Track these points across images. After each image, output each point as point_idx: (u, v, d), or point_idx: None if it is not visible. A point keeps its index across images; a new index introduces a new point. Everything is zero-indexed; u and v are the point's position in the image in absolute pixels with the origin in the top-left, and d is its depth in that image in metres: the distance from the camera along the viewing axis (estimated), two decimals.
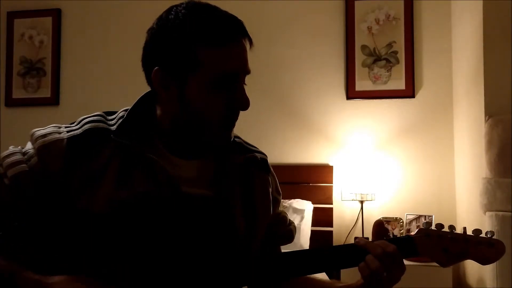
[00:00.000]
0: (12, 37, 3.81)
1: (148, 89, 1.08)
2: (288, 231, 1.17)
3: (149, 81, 1.04)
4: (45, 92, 3.73)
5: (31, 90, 3.76)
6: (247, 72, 1.02)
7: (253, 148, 1.16)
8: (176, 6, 1.01)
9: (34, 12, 3.78)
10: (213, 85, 0.97)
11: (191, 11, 0.99)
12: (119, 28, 3.66)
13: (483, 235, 1.05)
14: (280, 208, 1.21)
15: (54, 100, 3.71)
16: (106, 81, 3.64)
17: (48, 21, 3.76)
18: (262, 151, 1.18)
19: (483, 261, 1.05)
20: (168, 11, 1.02)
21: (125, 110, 1.06)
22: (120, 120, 1.03)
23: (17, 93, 3.79)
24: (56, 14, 3.75)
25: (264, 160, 1.16)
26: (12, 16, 3.82)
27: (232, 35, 0.99)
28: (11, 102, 3.79)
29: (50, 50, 3.74)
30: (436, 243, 1.04)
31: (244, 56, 1.01)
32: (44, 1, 3.78)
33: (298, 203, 3.10)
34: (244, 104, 1.00)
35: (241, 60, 1.00)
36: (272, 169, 1.19)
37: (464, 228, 1.07)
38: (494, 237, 1.05)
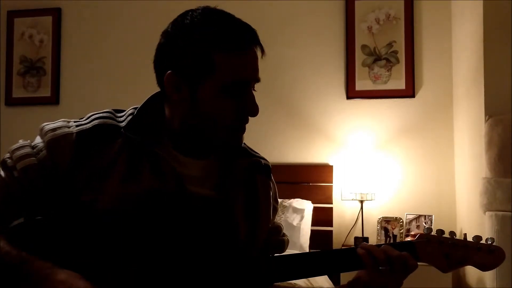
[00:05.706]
0: (12, 36, 3.81)
1: (152, 88, 1.09)
2: (281, 241, 1.18)
3: (160, 82, 1.05)
4: (45, 92, 3.73)
5: (31, 90, 3.76)
6: (258, 80, 1.05)
7: (257, 154, 1.18)
8: (192, 11, 1.03)
9: (34, 11, 3.78)
10: (225, 91, 0.99)
11: (207, 17, 1.01)
12: (119, 27, 3.65)
13: (483, 241, 1.06)
14: (277, 218, 1.22)
15: (54, 100, 3.71)
16: (106, 81, 3.64)
17: (48, 20, 3.76)
18: (265, 158, 1.20)
19: (483, 267, 1.06)
20: (184, 15, 1.03)
21: (134, 108, 1.08)
22: (130, 117, 1.05)
23: (17, 92, 3.79)
24: (56, 13, 3.75)
25: (267, 166, 1.18)
26: (12, 15, 3.82)
27: (248, 43, 1.01)
28: (11, 101, 3.79)
29: (50, 49, 3.74)
30: (436, 248, 1.05)
31: (256, 64, 1.03)
32: (44, 0, 3.78)
33: (298, 202, 3.10)
34: (254, 111, 1.03)
35: (254, 69, 1.03)
36: (273, 178, 1.20)
37: (465, 235, 1.09)
38: (494, 241, 1.06)
